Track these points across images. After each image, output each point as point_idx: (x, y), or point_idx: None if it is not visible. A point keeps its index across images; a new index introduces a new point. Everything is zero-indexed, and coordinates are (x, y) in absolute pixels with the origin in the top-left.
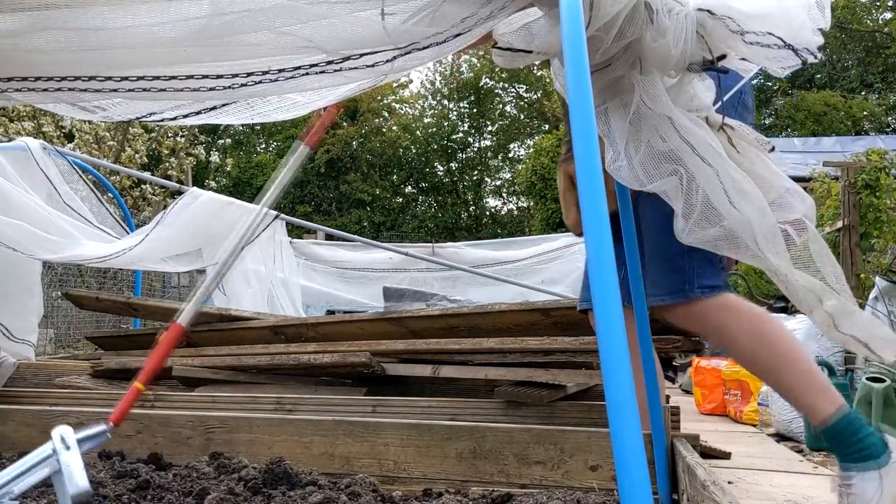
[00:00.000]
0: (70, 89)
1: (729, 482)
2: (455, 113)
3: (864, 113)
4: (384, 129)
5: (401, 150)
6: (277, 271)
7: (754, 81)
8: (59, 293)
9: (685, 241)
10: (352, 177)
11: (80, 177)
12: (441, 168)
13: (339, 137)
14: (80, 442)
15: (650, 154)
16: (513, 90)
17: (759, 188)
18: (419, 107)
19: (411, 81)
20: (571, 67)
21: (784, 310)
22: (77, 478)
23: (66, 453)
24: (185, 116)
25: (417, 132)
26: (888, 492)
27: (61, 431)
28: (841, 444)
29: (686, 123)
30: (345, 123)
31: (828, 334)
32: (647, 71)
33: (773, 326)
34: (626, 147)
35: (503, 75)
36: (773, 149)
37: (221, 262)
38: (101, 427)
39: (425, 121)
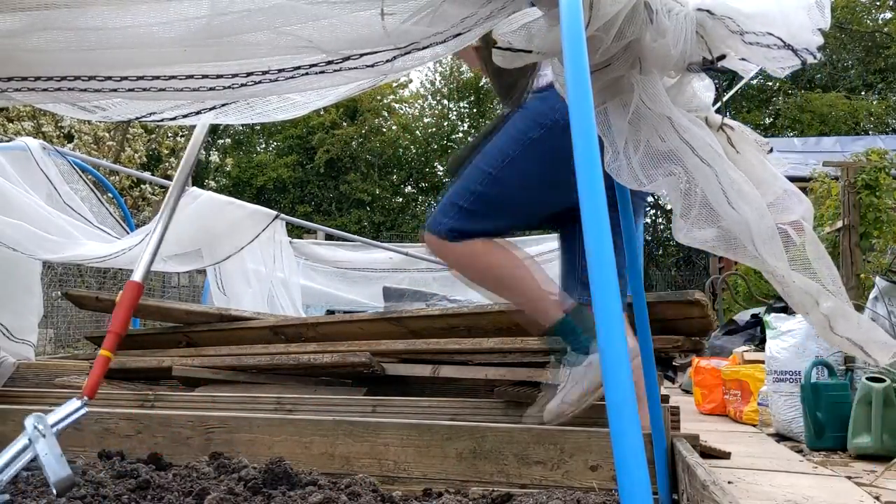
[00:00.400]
0: (70, 89)
1: (729, 482)
2: (455, 113)
3: (866, 113)
4: (384, 129)
5: (400, 149)
6: (277, 271)
7: (754, 81)
8: (59, 293)
9: (682, 241)
10: (352, 177)
11: (80, 177)
12: (441, 168)
13: (339, 137)
14: (57, 424)
15: (649, 154)
16: None
17: (758, 189)
18: (419, 107)
19: (411, 81)
20: (571, 67)
21: (784, 309)
22: (56, 465)
23: (42, 441)
24: (184, 116)
25: (417, 132)
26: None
27: (34, 419)
28: (569, 337)
29: (685, 123)
30: (345, 123)
31: (823, 336)
32: (646, 71)
33: (498, 265)
34: (625, 147)
35: None
36: (771, 150)
37: (166, 213)
38: (75, 404)
39: (425, 120)
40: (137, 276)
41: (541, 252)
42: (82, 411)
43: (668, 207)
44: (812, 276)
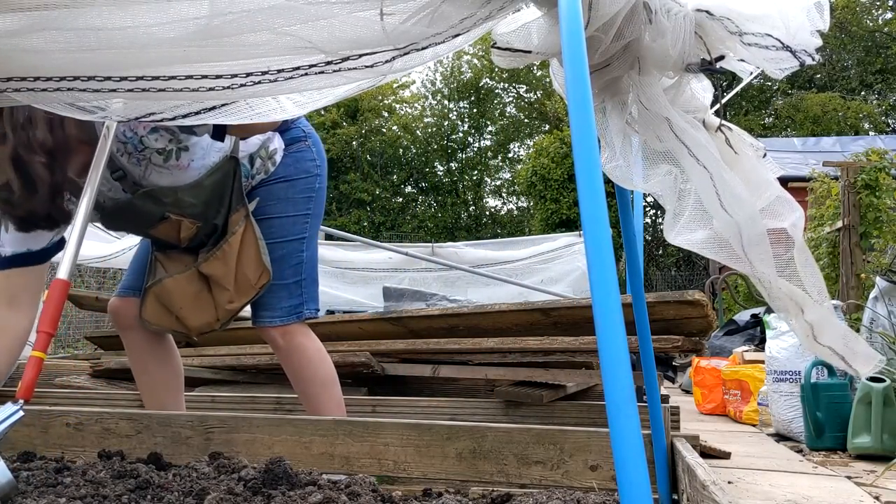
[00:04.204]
0: (69, 89)
1: (729, 482)
2: (455, 113)
3: (862, 115)
4: (384, 129)
5: (401, 150)
6: None
7: (754, 82)
8: None
9: (673, 242)
10: (352, 177)
11: None
12: (441, 168)
13: (339, 137)
14: None
15: (646, 154)
16: (513, 90)
17: (751, 193)
18: (419, 107)
19: (413, 82)
20: (571, 67)
21: None
22: None
23: None
24: (184, 116)
25: (417, 132)
26: None
27: None
28: None
29: (683, 125)
30: (345, 123)
31: (806, 344)
32: (645, 71)
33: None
34: (622, 147)
35: (503, 75)
36: (765, 154)
37: (89, 193)
38: (11, 408)
39: (425, 121)
40: (63, 274)
41: (540, 252)
42: (19, 415)
43: None
44: (798, 284)
